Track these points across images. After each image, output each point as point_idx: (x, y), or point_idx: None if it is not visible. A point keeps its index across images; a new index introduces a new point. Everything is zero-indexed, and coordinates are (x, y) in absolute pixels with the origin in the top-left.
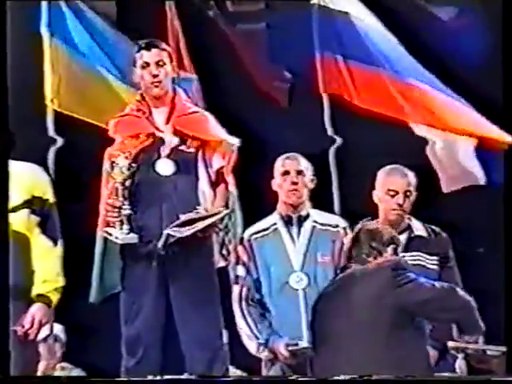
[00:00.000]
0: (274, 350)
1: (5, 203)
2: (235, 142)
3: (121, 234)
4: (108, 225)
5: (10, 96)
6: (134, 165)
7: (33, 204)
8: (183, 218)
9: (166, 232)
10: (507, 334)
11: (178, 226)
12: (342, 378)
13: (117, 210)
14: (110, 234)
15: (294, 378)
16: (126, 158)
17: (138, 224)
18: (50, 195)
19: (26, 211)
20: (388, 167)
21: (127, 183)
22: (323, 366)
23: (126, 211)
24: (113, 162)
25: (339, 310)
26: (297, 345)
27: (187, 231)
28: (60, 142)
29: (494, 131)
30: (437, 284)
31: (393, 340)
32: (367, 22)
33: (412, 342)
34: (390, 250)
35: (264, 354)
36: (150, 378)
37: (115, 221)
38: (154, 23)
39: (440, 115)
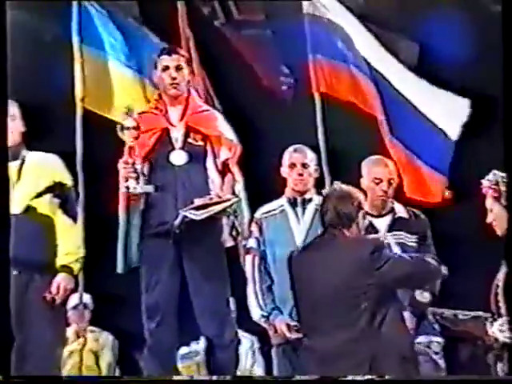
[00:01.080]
0: (275, 326)
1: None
2: (236, 138)
3: (138, 185)
4: (126, 180)
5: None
6: (141, 125)
7: (54, 189)
8: (197, 201)
9: (182, 213)
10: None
11: (193, 208)
12: (342, 378)
13: (131, 166)
14: (128, 188)
15: (295, 378)
16: (133, 118)
17: (155, 205)
18: (68, 180)
19: (48, 196)
20: (372, 158)
21: (137, 141)
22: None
23: (140, 166)
24: (122, 126)
25: (315, 278)
26: (298, 330)
27: (202, 215)
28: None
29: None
30: (407, 256)
31: (370, 313)
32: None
33: (391, 314)
34: (360, 215)
35: (265, 326)
36: (151, 378)
37: (132, 176)
38: (167, 33)
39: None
